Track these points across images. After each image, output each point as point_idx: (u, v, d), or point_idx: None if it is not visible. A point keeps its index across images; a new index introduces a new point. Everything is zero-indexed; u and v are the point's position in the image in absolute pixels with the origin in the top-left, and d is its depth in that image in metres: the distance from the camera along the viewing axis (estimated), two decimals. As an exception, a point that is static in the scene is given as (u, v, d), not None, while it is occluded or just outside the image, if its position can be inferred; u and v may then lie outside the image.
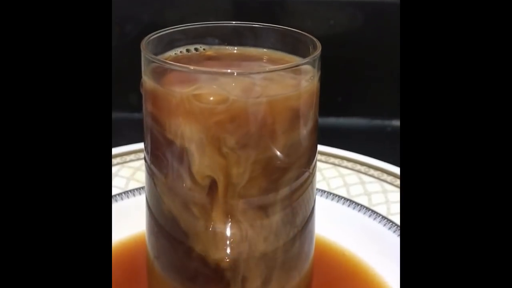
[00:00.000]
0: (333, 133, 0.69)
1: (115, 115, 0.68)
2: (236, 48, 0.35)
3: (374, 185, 0.48)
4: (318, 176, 0.50)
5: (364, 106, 0.72)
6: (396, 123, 0.71)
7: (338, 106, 0.71)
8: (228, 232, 0.31)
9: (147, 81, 0.31)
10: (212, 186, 0.30)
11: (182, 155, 0.30)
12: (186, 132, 0.30)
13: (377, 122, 0.71)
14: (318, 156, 0.52)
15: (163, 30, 0.33)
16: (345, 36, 0.69)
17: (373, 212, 0.46)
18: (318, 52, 0.31)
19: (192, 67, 0.30)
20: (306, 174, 0.33)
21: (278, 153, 0.31)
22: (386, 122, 0.71)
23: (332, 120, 0.71)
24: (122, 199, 0.48)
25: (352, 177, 0.50)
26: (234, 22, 0.35)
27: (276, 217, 0.32)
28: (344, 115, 0.71)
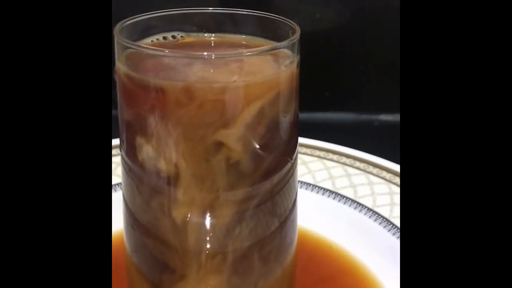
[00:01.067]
0: (320, 128, 0.68)
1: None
2: (214, 35, 0.34)
3: (359, 178, 0.48)
4: (303, 169, 0.49)
5: (351, 101, 0.71)
6: (384, 117, 0.71)
7: (325, 101, 0.70)
8: (206, 225, 0.31)
9: (121, 68, 0.30)
10: (188, 178, 0.29)
11: (157, 145, 0.29)
12: (160, 121, 0.29)
13: (365, 116, 0.71)
14: (303, 149, 0.52)
15: (138, 16, 0.32)
16: (332, 31, 0.69)
17: (359, 204, 0.45)
18: (296, 35, 0.30)
19: (167, 50, 0.29)
20: (288, 164, 0.32)
21: (257, 140, 0.30)
22: (373, 117, 0.71)
23: (319, 115, 0.70)
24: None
25: (337, 169, 0.49)
26: (212, 9, 0.34)
27: (256, 210, 0.31)
28: (331, 110, 0.71)
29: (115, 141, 0.52)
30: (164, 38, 0.33)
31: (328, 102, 0.71)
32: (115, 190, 0.48)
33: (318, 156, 0.50)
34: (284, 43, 0.29)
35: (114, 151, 0.51)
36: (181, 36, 0.34)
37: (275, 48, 0.29)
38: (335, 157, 0.50)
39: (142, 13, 0.33)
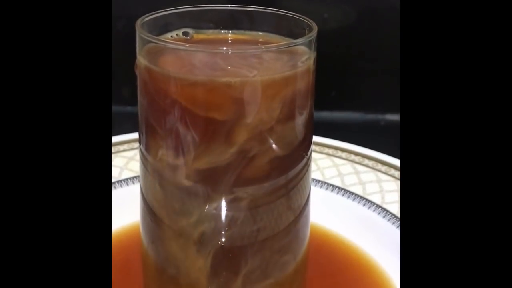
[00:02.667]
0: (327, 127, 0.69)
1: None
2: (231, 31, 0.35)
3: (368, 175, 0.48)
4: (312, 166, 0.50)
5: (358, 100, 0.72)
6: (390, 117, 0.71)
7: (332, 100, 0.71)
8: (223, 219, 0.31)
9: (142, 61, 0.30)
10: (207, 173, 0.30)
11: (178, 141, 0.30)
12: (182, 116, 0.29)
13: (371, 116, 0.71)
14: (313, 147, 0.52)
15: (157, 12, 0.33)
16: (339, 30, 0.69)
17: (368, 201, 0.46)
18: (314, 32, 0.31)
19: (187, 45, 0.29)
20: (304, 160, 0.33)
21: (274, 135, 0.30)
22: (380, 116, 0.71)
23: (326, 114, 0.71)
24: (115, 188, 0.47)
25: (346, 167, 0.50)
26: (229, 6, 0.35)
27: (272, 204, 0.32)
28: (337, 109, 0.71)
29: (126, 136, 0.53)
30: (184, 33, 0.34)
31: (334, 101, 0.71)
32: (127, 184, 0.48)
33: (327, 154, 0.51)
34: (302, 39, 0.30)
35: (125, 146, 0.52)
36: (198, 32, 0.35)
37: (294, 45, 0.30)
38: (344, 154, 0.51)
39: (153, 11, 0.34)
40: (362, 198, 0.46)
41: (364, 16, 0.69)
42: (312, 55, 0.31)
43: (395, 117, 0.71)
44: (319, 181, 0.48)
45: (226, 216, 0.31)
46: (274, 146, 0.31)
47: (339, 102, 0.72)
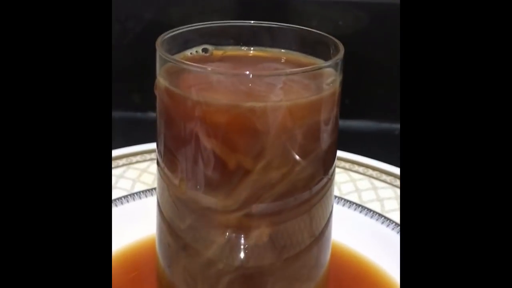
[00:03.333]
0: (340, 136, 0.67)
1: (118, 114, 0.67)
2: (252, 48, 0.34)
3: (386, 191, 0.47)
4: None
5: (372, 108, 0.71)
6: (404, 126, 0.70)
7: (346, 109, 0.70)
8: (247, 240, 0.30)
9: (162, 82, 0.29)
10: (229, 192, 0.29)
11: (197, 161, 0.29)
12: (202, 138, 0.28)
13: (385, 125, 0.70)
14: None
15: (176, 29, 0.32)
16: (353, 37, 0.68)
17: (386, 218, 0.45)
18: (341, 54, 0.29)
19: (209, 68, 0.28)
20: (325, 179, 0.32)
21: (298, 158, 0.29)
22: (394, 125, 0.70)
23: (339, 123, 0.70)
24: (128, 201, 0.46)
25: (363, 182, 0.48)
26: (251, 22, 0.34)
27: (293, 222, 0.31)
28: (351, 117, 0.70)
29: (138, 147, 0.52)
30: (204, 50, 0.33)
31: (348, 109, 0.70)
32: (140, 198, 0.47)
33: (344, 168, 0.50)
34: (329, 62, 0.29)
35: (138, 157, 0.51)
36: (218, 49, 0.34)
37: (320, 68, 0.29)
38: (361, 169, 0.50)
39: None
40: (380, 215, 0.45)
41: (379, 24, 0.68)
42: (338, 77, 0.30)
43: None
44: (336, 196, 0.47)
45: (248, 238, 0.30)
46: (297, 167, 0.30)
47: (353, 111, 0.70)
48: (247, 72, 0.28)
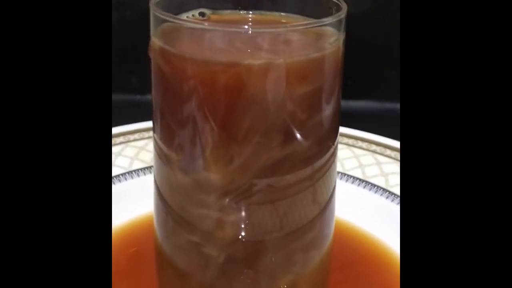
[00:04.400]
0: (343, 117, 0.66)
1: (117, 97, 0.66)
2: (251, 12, 0.33)
3: (391, 166, 0.46)
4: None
5: (375, 89, 0.69)
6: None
7: (349, 89, 0.69)
8: (246, 212, 0.29)
9: (156, 42, 0.28)
10: (229, 163, 0.28)
11: (196, 129, 0.28)
12: (199, 101, 0.27)
13: (388, 105, 0.69)
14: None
15: (173, -10, 0.31)
16: (357, 17, 0.67)
17: (391, 193, 0.44)
18: (343, 11, 0.28)
19: (206, 24, 0.27)
20: (330, 150, 0.31)
21: (300, 123, 0.28)
22: (397, 105, 0.69)
23: (342, 103, 0.68)
24: (126, 179, 0.45)
25: (367, 157, 0.47)
26: (249, -16, 0.32)
27: (297, 197, 0.30)
28: (354, 98, 0.69)
29: (137, 125, 0.51)
30: (201, 14, 0.32)
31: (351, 90, 0.69)
32: (138, 176, 0.46)
33: (347, 144, 0.49)
34: (331, 18, 0.28)
35: (136, 136, 0.50)
36: (216, 13, 0.33)
37: (322, 24, 0.28)
38: (364, 144, 0.49)
39: None
40: (385, 190, 0.44)
41: (382, 3, 0.66)
42: (341, 36, 0.29)
43: (413, 106, 0.69)
44: (339, 172, 0.46)
45: (247, 209, 0.29)
46: (299, 135, 0.28)
47: (356, 91, 0.69)
48: (246, 27, 0.26)
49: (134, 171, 0.46)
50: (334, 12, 0.30)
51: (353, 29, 0.70)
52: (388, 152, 0.47)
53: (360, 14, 0.67)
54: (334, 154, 0.31)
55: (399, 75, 0.74)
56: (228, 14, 0.33)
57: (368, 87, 0.69)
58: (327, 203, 0.32)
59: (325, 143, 0.30)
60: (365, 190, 0.44)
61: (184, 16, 0.32)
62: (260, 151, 0.28)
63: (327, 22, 0.28)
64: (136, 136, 0.49)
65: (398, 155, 0.47)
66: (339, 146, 0.49)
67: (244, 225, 0.29)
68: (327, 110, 0.29)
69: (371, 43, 0.67)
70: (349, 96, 0.70)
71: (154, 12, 0.28)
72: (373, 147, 0.48)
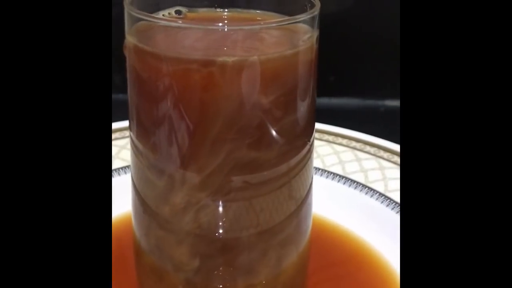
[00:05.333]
0: (325, 113, 0.67)
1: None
2: (227, 10, 0.33)
3: (370, 162, 0.46)
4: (312, 153, 0.48)
5: (357, 86, 0.70)
6: (389, 103, 0.70)
7: (330, 86, 0.69)
8: (222, 209, 0.29)
9: (131, 41, 0.28)
10: (204, 161, 0.28)
11: (171, 127, 0.28)
12: (174, 99, 0.27)
13: (370, 102, 0.69)
14: (312, 133, 0.51)
15: (148, -12, 0.31)
16: (337, 14, 0.67)
17: (370, 189, 0.44)
18: (316, 9, 0.28)
19: (180, 21, 0.27)
20: (306, 147, 0.31)
21: (275, 120, 0.28)
22: (379, 102, 0.69)
23: (324, 100, 0.69)
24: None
25: (347, 154, 0.48)
26: (225, -18, 0.33)
27: (273, 194, 0.30)
28: (336, 95, 0.69)
29: (118, 124, 0.51)
30: (177, 12, 0.32)
31: (333, 87, 0.69)
32: (119, 175, 0.46)
33: (327, 141, 0.49)
34: (304, 15, 0.28)
35: (117, 134, 0.50)
36: (191, 11, 0.33)
37: (295, 21, 0.28)
38: (344, 141, 0.49)
39: None
40: (364, 186, 0.44)
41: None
42: (315, 33, 0.29)
43: (395, 103, 0.69)
44: (319, 169, 0.46)
45: (223, 206, 0.29)
46: (274, 131, 0.29)
47: (338, 88, 0.69)
48: (220, 24, 0.26)
49: (115, 170, 0.46)
50: (308, 9, 0.30)
51: (335, 25, 0.71)
52: (368, 148, 0.48)
53: (342, 11, 0.67)
54: (310, 151, 0.31)
55: (381, 71, 0.74)
56: (204, 12, 0.33)
57: (349, 84, 0.69)
58: (304, 199, 0.32)
59: (300, 140, 0.30)
60: (345, 186, 0.45)
61: (160, 14, 0.32)
62: (235, 148, 0.28)
63: (301, 19, 0.28)
64: (117, 135, 0.49)
65: (377, 151, 0.47)
66: (320, 142, 0.50)
67: (221, 222, 0.29)
68: (302, 107, 0.30)
69: (353, 40, 0.68)
70: (331, 93, 0.70)
71: (129, 10, 0.28)
72: (353, 143, 0.49)
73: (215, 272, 0.30)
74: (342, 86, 0.70)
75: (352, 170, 0.46)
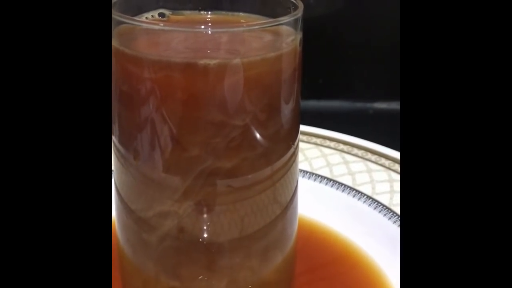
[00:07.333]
0: (314, 116, 0.66)
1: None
2: (210, 12, 0.33)
3: (358, 165, 0.46)
4: (300, 156, 0.48)
5: (346, 88, 0.70)
6: (378, 105, 0.70)
7: (319, 89, 0.69)
8: (206, 214, 0.29)
9: (113, 45, 0.28)
10: (187, 165, 0.28)
11: (154, 131, 0.28)
12: (155, 102, 0.27)
13: (359, 104, 0.69)
14: (300, 136, 0.50)
15: (131, -9, 0.31)
16: (326, 17, 0.67)
17: (358, 192, 0.44)
18: (299, 11, 0.28)
19: (162, 24, 0.27)
20: (290, 150, 0.31)
21: (259, 123, 0.28)
22: (368, 105, 0.69)
23: (313, 103, 0.69)
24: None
25: (335, 156, 0.48)
26: (208, -16, 0.32)
27: (257, 198, 0.30)
28: (325, 97, 0.69)
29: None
30: (160, 15, 0.32)
31: (322, 89, 0.69)
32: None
33: (315, 143, 0.49)
34: (287, 17, 0.28)
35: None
36: (175, 14, 0.33)
37: (278, 23, 0.28)
38: (332, 144, 0.49)
39: None
40: (352, 189, 0.44)
41: (353, 2, 0.67)
42: (298, 35, 0.29)
43: (384, 105, 0.70)
44: (307, 172, 0.46)
45: (207, 210, 0.29)
46: (257, 135, 0.29)
47: (327, 90, 0.69)
48: (202, 27, 0.26)
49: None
50: (292, 11, 0.30)
51: (324, 28, 0.71)
52: (356, 151, 0.48)
53: (331, 14, 0.67)
54: (295, 154, 0.31)
55: (370, 74, 0.74)
56: (188, 14, 0.33)
57: (338, 87, 0.69)
58: (289, 203, 0.32)
59: (285, 143, 0.30)
60: (332, 189, 0.45)
61: (143, 17, 0.31)
62: (218, 152, 0.28)
63: (284, 22, 0.28)
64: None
65: (365, 153, 0.47)
66: (307, 145, 0.49)
67: (204, 226, 0.29)
68: (286, 110, 0.29)
69: (342, 42, 0.68)
70: (319, 95, 0.70)
71: (112, 14, 0.28)
72: (341, 146, 0.48)
73: (199, 277, 0.30)
74: (331, 89, 0.70)
75: (339, 173, 0.46)
